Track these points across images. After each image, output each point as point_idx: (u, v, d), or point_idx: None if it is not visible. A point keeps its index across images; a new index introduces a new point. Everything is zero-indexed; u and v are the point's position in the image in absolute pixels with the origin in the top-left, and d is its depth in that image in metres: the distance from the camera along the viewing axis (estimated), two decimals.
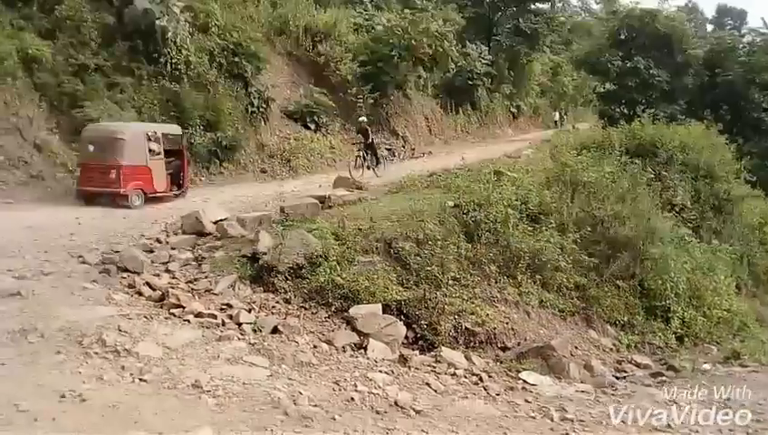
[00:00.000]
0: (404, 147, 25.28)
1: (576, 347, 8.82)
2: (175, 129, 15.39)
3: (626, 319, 9.79)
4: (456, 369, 6.94)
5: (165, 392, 4.87)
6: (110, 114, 15.07)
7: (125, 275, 7.89)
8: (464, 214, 9.67)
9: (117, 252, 8.60)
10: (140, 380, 5.04)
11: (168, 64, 16.97)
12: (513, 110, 39.31)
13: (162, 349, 5.73)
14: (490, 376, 6.99)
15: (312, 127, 21.96)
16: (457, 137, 32.16)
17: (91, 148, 13.42)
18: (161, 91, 17.01)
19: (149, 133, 14.18)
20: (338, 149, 22.29)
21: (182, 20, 17.24)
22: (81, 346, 5.55)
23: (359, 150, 18.58)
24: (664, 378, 7.85)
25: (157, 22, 16.44)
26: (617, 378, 7.85)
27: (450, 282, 8.43)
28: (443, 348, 7.45)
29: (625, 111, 28.68)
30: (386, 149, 20.56)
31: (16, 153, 13.96)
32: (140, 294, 7.39)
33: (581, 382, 7.35)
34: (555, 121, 41.16)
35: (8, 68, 14.16)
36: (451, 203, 10.01)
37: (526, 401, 6.27)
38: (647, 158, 14.91)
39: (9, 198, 12.93)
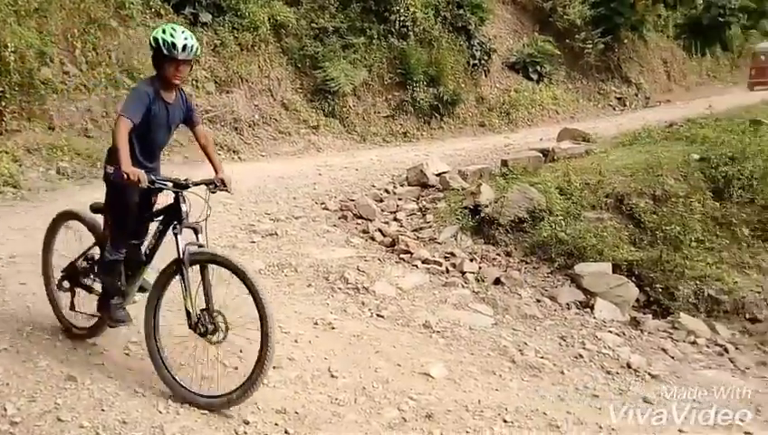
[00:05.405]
0: (637, 95, 23.12)
1: None
2: None
3: None
4: (696, 337, 6.32)
5: (399, 329, 5.29)
6: (346, 74, 16.27)
7: (359, 221, 8.50)
8: (712, 169, 8.60)
9: (352, 200, 9.29)
10: (378, 315, 5.54)
11: (397, 22, 17.65)
12: None
13: (395, 289, 6.20)
14: (737, 348, 6.26)
15: (535, 77, 21.09)
16: (702, 83, 28.36)
17: (763, 57, 23.65)
18: (389, 50, 17.77)
19: None
20: (561, 100, 21.28)
21: None
22: (327, 281, 6.24)
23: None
24: None
25: None
26: None
27: (692, 244, 7.64)
28: (681, 314, 6.82)
29: None
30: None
31: (268, 112, 15.84)
32: (373, 239, 7.92)
33: None
34: None
35: (262, 35, 15.91)
36: (696, 156, 8.95)
37: None
38: None
39: (263, 152, 14.83)
